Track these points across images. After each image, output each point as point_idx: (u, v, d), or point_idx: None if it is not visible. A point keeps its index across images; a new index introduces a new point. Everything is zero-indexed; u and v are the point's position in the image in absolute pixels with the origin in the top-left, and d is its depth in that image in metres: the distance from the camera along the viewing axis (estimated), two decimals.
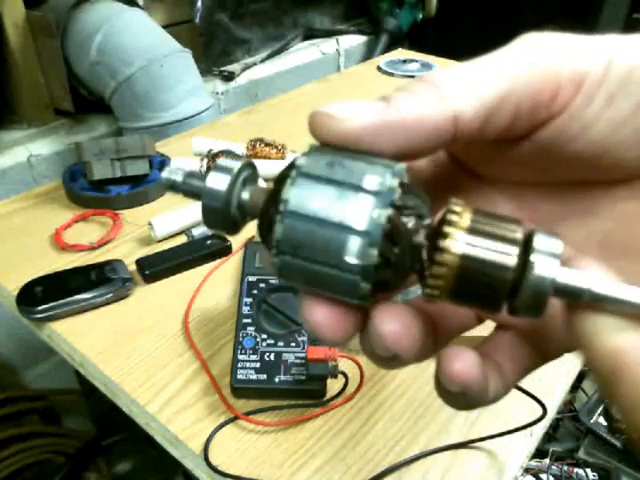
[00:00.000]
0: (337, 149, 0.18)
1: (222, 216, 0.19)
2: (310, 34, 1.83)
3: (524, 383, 0.46)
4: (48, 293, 0.56)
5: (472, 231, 0.17)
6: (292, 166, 0.18)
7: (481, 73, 0.17)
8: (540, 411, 0.44)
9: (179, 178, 0.20)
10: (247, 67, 1.58)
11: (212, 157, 0.75)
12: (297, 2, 1.76)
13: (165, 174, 0.20)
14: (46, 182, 1.14)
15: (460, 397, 0.19)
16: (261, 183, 0.20)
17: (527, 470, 0.95)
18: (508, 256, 0.16)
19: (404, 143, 0.17)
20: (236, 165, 0.19)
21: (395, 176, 0.17)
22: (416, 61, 1.23)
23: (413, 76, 1.17)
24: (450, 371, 0.18)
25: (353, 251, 0.17)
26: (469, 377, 0.18)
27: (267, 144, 0.80)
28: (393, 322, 0.18)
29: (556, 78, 0.17)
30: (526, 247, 0.17)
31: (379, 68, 1.21)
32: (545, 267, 0.16)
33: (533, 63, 0.17)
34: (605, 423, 1.06)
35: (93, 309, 0.56)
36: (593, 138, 0.18)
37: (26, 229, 0.69)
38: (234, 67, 1.57)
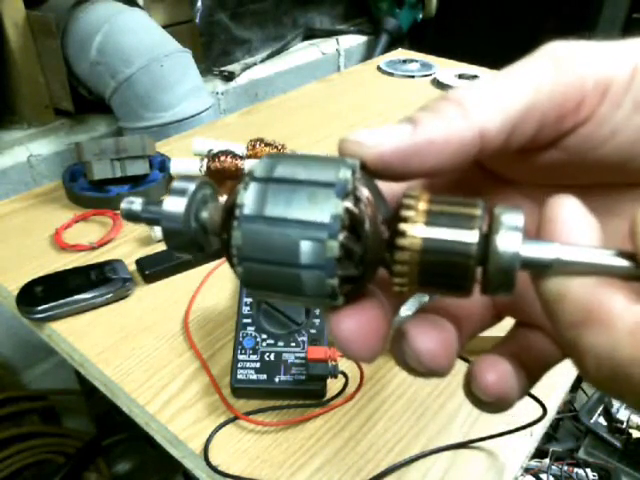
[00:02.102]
0: (290, 155, 0.18)
1: (183, 238, 0.19)
2: (310, 34, 1.83)
3: None
4: (48, 293, 0.56)
5: (430, 213, 0.17)
6: (245, 175, 0.18)
7: (504, 87, 0.17)
8: (540, 411, 0.44)
9: (137, 207, 0.20)
10: (247, 67, 1.58)
11: (212, 157, 0.75)
12: (297, 2, 1.77)
13: (123, 204, 0.20)
14: (46, 182, 1.14)
15: (493, 404, 0.19)
16: (221, 200, 0.20)
17: (527, 470, 0.95)
18: (469, 232, 0.16)
19: (433, 163, 0.17)
20: (191, 186, 0.19)
21: (348, 169, 0.17)
22: (416, 61, 1.23)
23: (413, 76, 1.17)
24: (485, 384, 0.18)
25: (313, 246, 0.16)
26: (504, 389, 0.18)
27: (267, 144, 0.80)
28: (429, 339, 0.17)
29: (581, 87, 0.17)
30: (488, 224, 0.17)
31: (379, 68, 1.21)
32: (508, 242, 0.16)
33: (556, 73, 0.17)
34: (605, 423, 1.06)
35: (93, 309, 0.57)
36: (620, 144, 0.18)
37: (26, 229, 0.69)
38: (234, 67, 1.57)
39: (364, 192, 0.17)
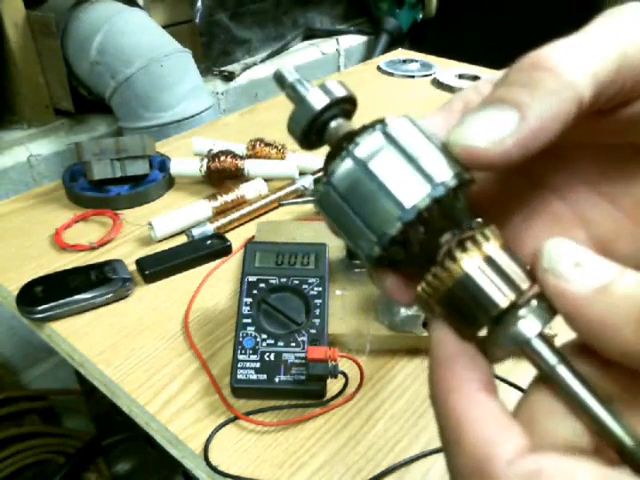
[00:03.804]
0: (421, 129, 0.18)
1: (303, 128, 0.20)
2: (310, 34, 1.83)
3: (524, 383, 0.45)
4: (48, 293, 0.56)
5: (488, 259, 0.17)
6: (380, 121, 0.19)
7: (595, 49, 0.17)
8: None
9: (290, 78, 0.21)
10: (247, 67, 1.58)
11: (212, 157, 0.75)
12: (297, 2, 1.76)
13: (281, 69, 0.21)
14: (46, 182, 1.14)
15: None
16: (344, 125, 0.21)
17: None
18: (502, 297, 0.17)
19: (545, 143, 0.17)
20: (340, 92, 0.20)
21: (456, 179, 0.18)
22: (416, 61, 1.23)
23: (413, 76, 1.17)
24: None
25: (385, 217, 0.18)
26: None
27: (267, 144, 0.80)
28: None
29: None
30: (524, 300, 0.17)
31: (379, 68, 1.21)
32: (528, 326, 0.17)
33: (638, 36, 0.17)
34: None
35: (93, 309, 0.56)
36: None
37: (26, 229, 0.69)
38: (234, 67, 1.57)
39: (454, 206, 0.18)
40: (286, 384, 0.46)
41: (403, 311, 0.50)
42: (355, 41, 1.94)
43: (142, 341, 0.53)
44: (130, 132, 1.15)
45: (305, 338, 0.49)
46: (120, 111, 1.16)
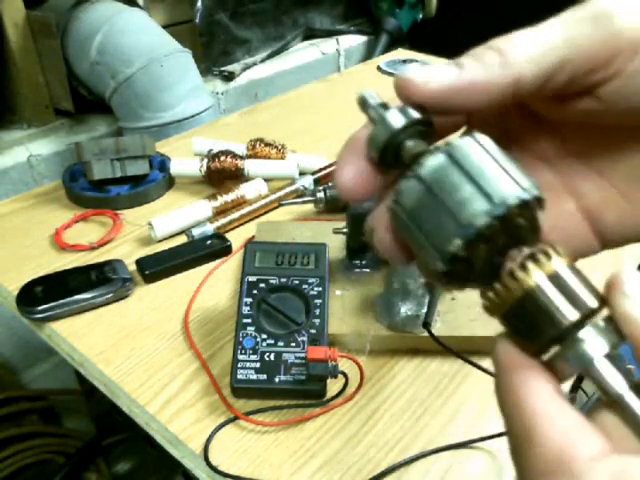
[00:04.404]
0: (491, 149, 0.19)
1: (381, 146, 0.21)
2: (310, 34, 1.83)
3: None
4: (48, 293, 0.56)
5: (556, 274, 0.18)
6: (447, 143, 0.19)
7: (543, 39, 0.19)
8: None
9: (372, 101, 0.22)
10: (247, 67, 1.58)
11: (212, 157, 0.75)
12: (297, 2, 1.76)
13: (364, 92, 0.22)
14: (46, 182, 1.14)
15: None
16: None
17: None
18: (572, 310, 0.17)
19: (473, 103, 0.19)
20: (416, 115, 0.21)
21: (529, 196, 0.18)
22: (416, 61, 1.23)
23: None
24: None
25: (445, 235, 0.18)
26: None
27: (267, 144, 0.80)
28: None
29: (615, 46, 0.19)
30: (592, 320, 0.17)
31: (379, 68, 1.21)
32: (593, 346, 0.17)
33: (593, 30, 0.19)
34: None
35: (93, 309, 0.56)
36: None
37: (26, 229, 0.69)
38: (234, 67, 1.56)
39: (515, 223, 0.18)
40: (286, 384, 0.46)
41: (403, 311, 0.50)
42: (355, 41, 1.94)
43: (142, 341, 0.53)
44: (130, 132, 1.15)
45: (305, 338, 0.49)
46: (120, 111, 1.16)
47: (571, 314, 0.17)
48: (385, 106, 0.21)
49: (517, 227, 0.18)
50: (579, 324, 0.17)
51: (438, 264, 0.18)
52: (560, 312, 0.17)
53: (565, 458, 0.15)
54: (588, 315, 0.17)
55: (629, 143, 0.22)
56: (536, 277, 0.17)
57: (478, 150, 0.19)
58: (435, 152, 0.19)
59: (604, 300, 0.18)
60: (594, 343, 0.17)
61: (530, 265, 0.18)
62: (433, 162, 0.19)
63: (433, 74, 0.19)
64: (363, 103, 0.22)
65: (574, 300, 0.17)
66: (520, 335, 0.18)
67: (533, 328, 0.17)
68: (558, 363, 0.18)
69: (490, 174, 0.18)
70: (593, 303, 0.17)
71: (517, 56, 0.19)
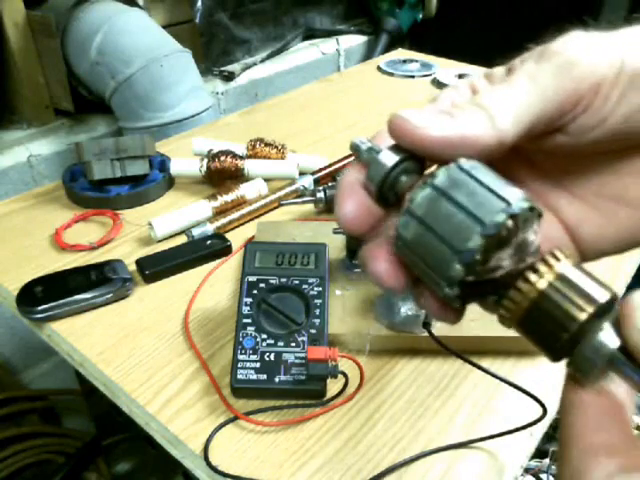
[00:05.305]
0: (475, 172, 0.20)
1: (378, 184, 0.22)
2: (310, 34, 1.83)
3: (524, 383, 0.45)
4: (48, 293, 0.56)
5: (561, 277, 0.18)
6: (433, 175, 0.20)
7: (520, 98, 0.21)
8: (540, 411, 0.44)
9: (363, 147, 0.23)
10: (247, 67, 1.58)
11: (212, 157, 0.75)
12: (297, 2, 1.76)
13: (355, 140, 0.23)
14: (46, 182, 1.14)
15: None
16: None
17: (527, 470, 0.95)
18: (579, 311, 0.17)
19: (458, 154, 0.21)
20: (408, 152, 0.22)
21: (506, 215, 0.18)
22: (416, 61, 1.23)
23: (413, 76, 1.17)
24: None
25: (446, 263, 0.19)
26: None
27: (267, 144, 0.80)
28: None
29: (578, 90, 0.21)
30: (607, 313, 0.18)
31: (379, 68, 1.21)
32: (607, 338, 0.17)
33: (557, 81, 0.21)
34: None
35: (93, 309, 0.56)
36: (611, 125, 0.22)
37: (26, 229, 0.69)
38: (234, 67, 1.56)
39: (510, 235, 0.19)
40: (286, 384, 0.46)
41: (403, 311, 0.50)
42: (355, 41, 1.94)
43: (142, 341, 0.53)
44: (130, 132, 1.15)
45: (305, 338, 0.49)
46: (120, 111, 1.16)
47: (580, 310, 0.17)
48: (376, 148, 0.22)
49: (514, 239, 0.19)
50: (592, 319, 0.17)
51: (447, 290, 0.19)
52: (569, 311, 0.17)
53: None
54: (600, 309, 0.18)
55: (595, 164, 0.25)
56: (544, 282, 0.18)
57: (462, 177, 0.19)
58: (423, 186, 0.20)
59: (615, 294, 0.18)
60: (610, 334, 0.17)
61: (537, 270, 0.18)
62: (421, 196, 0.20)
63: (427, 119, 0.21)
64: (356, 149, 0.23)
65: (582, 297, 0.18)
66: (541, 341, 0.18)
67: (548, 333, 0.18)
68: (581, 363, 0.18)
69: (476, 197, 0.19)
70: (603, 296, 0.18)
71: (502, 119, 0.21)
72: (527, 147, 0.24)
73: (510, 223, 0.18)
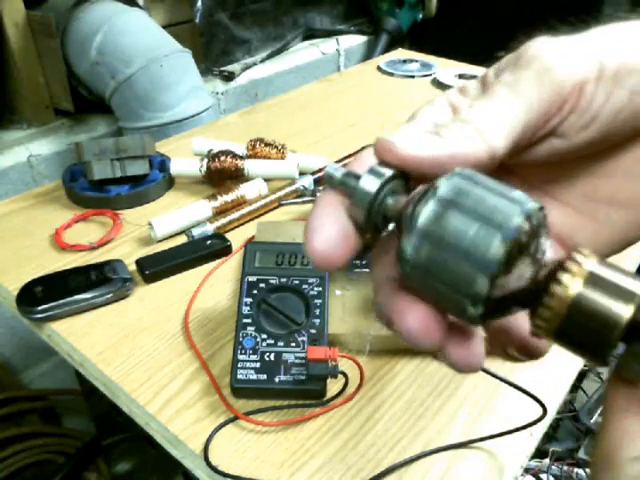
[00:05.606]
0: (477, 180, 0.18)
1: (364, 215, 0.20)
2: (310, 34, 1.83)
3: (524, 383, 0.46)
4: (48, 293, 0.56)
5: (593, 275, 0.17)
6: (433, 186, 0.19)
7: (506, 111, 0.21)
8: (540, 411, 0.44)
9: (338, 174, 0.21)
10: (247, 67, 1.58)
11: (212, 157, 0.75)
12: (297, 2, 1.76)
13: (329, 169, 0.22)
14: (46, 182, 1.14)
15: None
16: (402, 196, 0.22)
17: (527, 470, 0.95)
18: (624, 306, 0.16)
19: (447, 171, 0.20)
20: (388, 172, 0.20)
21: (524, 214, 0.17)
22: (416, 61, 1.23)
23: (413, 76, 1.17)
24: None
25: (469, 280, 0.17)
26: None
27: (267, 144, 0.80)
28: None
29: (561, 94, 0.21)
30: None
31: (379, 68, 1.21)
32: None
33: (540, 88, 0.21)
34: None
35: (93, 309, 0.56)
36: (600, 123, 0.22)
37: (26, 229, 0.69)
38: (234, 67, 1.57)
39: (529, 239, 0.18)
40: (286, 384, 0.46)
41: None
42: (355, 41, 1.94)
43: (142, 341, 0.53)
44: (130, 132, 1.15)
45: (305, 338, 0.49)
46: (120, 111, 1.16)
47: (624, 307, 0.16)
48: (355, 174, 0.21)
49: (533, 243, 0.18)
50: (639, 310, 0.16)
51: (471, 311, 0.17)
52: (613, 312, 0.16)
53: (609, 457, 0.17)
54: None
55: (581, 169, 0.24)
56: (578, 281, 0.17)
57: (466, 185, 0.18)
58: (424, 201, 0.18)
59: None
60: None
61: (569, 270, 0.17)
62: (426, 211, 0.18)
63: (413, 140, 0.20)
64: (330, 180, 0.21)
65: (625, 290, 0.17)
66: (585, 346, 0.17)
67: (596, 332, 0.17)
68: (631, 362, 0.17)
69: (486, 203, 0.18)
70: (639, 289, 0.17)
71: (491, 134, 0.21)
72: (513, 161, 0.23)
73: (527, 226, 0.17)
